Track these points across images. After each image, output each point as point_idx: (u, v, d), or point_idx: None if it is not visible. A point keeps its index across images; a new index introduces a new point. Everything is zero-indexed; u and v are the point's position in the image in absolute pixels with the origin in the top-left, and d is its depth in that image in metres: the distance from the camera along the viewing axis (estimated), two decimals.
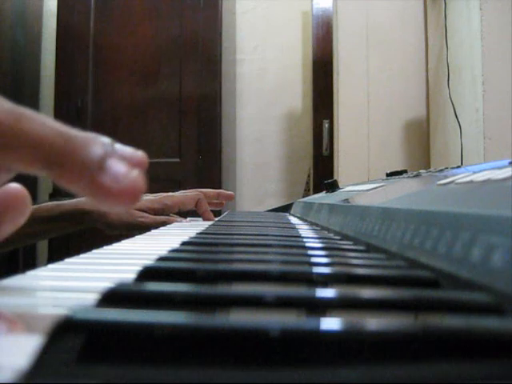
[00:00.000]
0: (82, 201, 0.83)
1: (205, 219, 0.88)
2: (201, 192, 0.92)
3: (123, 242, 0.45)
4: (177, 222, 0.84)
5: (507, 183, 0.25)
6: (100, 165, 0.19)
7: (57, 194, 2.02)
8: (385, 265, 0.27)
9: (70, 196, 0.85)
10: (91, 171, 0.19)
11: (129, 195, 0.19)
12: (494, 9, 1.45)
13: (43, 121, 0.19)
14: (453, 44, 1.67)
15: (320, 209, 0.65)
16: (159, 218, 0.85)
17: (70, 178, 0.19)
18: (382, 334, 0.12)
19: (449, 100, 1.63)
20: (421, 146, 1.88)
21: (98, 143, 0.19)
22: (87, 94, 2.26)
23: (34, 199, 2.19)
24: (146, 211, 0.85)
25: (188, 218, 0.90)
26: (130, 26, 2.28)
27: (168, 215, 0.88)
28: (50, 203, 0.84)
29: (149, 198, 0.88)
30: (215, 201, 0.94)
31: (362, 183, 0.83)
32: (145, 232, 0.60)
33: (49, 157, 0.18)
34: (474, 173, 0.34)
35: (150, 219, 0.84)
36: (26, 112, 0.19)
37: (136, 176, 0.19)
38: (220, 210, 1.02)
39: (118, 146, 0.20)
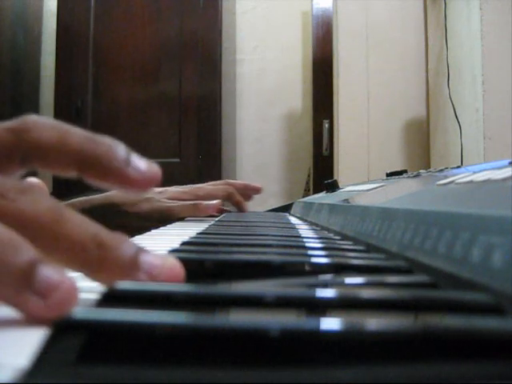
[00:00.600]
0: (111, 194, 0.83)
1: (240, 210, 0.88)
2: (229, 183, 0.90)
3: None
4: (210, 204, 0.82)
5: (507, 183, 0.25)
6: (133, 264, 0.20)
7: (56, 192, 2.02)
8: (384, 265, 0.27)
9: (99, 191, 0.85)
10: (124, 271, 0.20)
11: (169, 274, 0.20)
12: (493, 9, 1.45)
13: (80, 221, 0.20)
14: (453, 44, 1.67)
15: (320, 209, 0.65)
16: (187, 203, 0.83)
17: (104, 277, 0.20)
18: (382, 333, 0.12)
19: (449, 100, 1.63)
20: (421, 146, 1.88)
21: (128, 243, 0.20)
22: (87, 94, 2.25)
23: None
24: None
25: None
26: (129, 26, 2.28)
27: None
28: (80, 199, 0.84)
29: (179, 189, 0.87)
30: (242, 193, 0.92)
31: (361, 183, 0.83)
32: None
33: (82, 260, 0.20)
34: (474, 173, 0.34)
35: (184, 205, 0.82)
36: (65, 211, 0.20)
37: (172, 261, 0.21)
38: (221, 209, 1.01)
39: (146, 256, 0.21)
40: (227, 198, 0.88)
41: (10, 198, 0.19)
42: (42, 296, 0.17)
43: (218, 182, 0.92)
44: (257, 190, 0.96)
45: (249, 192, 0.94)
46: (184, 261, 0.22)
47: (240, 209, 0.88)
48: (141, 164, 0.24)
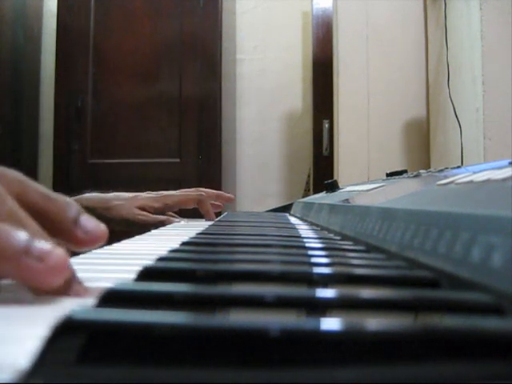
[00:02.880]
0: (82, 197, 0.85)
1: (207, 220, 0.88)
2: (201, 191, 0.91)
3: (123, 242, 0.45)
4: (175, 222, 0.85)
5: (507, 183, 0.25)
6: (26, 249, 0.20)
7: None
8: (385, 265, 0.27)
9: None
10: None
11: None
12: (493, 9, 1.45)
13: None
14: (453, 44, 1.67)
15: (320, 209, 0.65)
16: (159, 217, 0.86)
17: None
18: (382, 334, 0.12)
19: (449, 100, 1.63)
20: (421, 146, 1.88)
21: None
22: (87, 94, 2.25)
23: None
24: (146, 209, 0.87)
25: (184, 220, 0.89)
26: (130, 25, 2.28)
27: (168, 214, 0.89)
28: None
29: (150, 196, 0.89)
30: (214, 202, 0.93)
31: (362, 183, 0.83)
32: (144, 230, 0.60)
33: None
34: (474, 173, 0.34)
35: (150, 218, 0.86)
36: None
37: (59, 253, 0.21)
38: (220, 211, 1.01)
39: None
40: (197, 205, 0.89)
41: None
42: (40, 260, 0.20)
43: (190, 189, 0.93)
44: (229, 200, 0.97)
45: (221, 201, 0.95)
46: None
47: (208, 218, 0.88)
48: (88, 224, 0.26)
